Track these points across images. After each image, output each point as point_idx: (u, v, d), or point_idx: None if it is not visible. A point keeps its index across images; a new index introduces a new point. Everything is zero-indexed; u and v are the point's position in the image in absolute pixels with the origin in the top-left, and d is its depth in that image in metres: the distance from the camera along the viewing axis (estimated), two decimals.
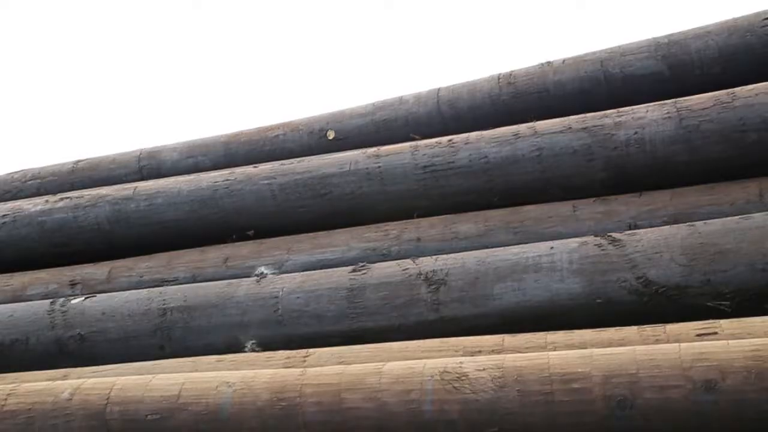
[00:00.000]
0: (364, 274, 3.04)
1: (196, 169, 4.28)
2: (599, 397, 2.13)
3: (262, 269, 3.40)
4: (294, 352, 2.82)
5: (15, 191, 4.62)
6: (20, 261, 4.02)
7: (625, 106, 3.31)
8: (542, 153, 3.31)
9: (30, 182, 4.63)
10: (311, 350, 2.79)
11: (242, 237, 3.73)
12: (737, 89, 3.12)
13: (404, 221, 3.46)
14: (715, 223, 2.72)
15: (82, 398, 2.58)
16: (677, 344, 2.19)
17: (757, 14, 3.54)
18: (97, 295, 3.47)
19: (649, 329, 2.45)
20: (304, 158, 3.79)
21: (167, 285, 3.49)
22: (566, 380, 2.17)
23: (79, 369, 3.04)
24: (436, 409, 2.25)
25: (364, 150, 3.67)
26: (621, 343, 2.38)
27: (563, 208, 3.25)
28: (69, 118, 9.00)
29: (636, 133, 3.18)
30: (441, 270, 2.94)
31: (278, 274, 3.33)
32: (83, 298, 3.43)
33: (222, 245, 3.72)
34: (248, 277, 3.33)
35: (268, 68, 8.83)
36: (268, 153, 4.22)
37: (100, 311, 3.33)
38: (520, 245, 2.99)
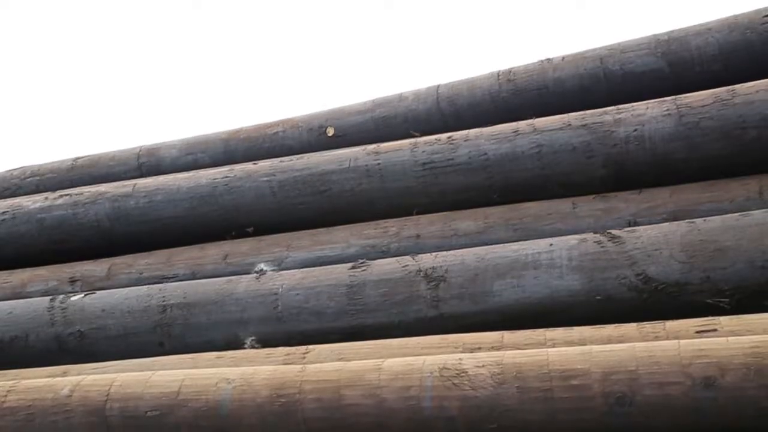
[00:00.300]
0: (364, 271, 3.04)
1: (196, 166, 4.28)
2: (598, 393, 2.13)
3: (262, 266, 3.40)
4: (293, 348, 2.82)
5: (14, 188, 4.62)
6: (19, 258, 4.02)
7: (625, 103, 3.31)
8: (542, 150, 3.31)
9: (29, 179, 4.63)
10: (311, 347, 2.80)
11: (242, 234, 3.73)
12: (737, 86, 3.12)
13: (404, 218, 3.46)
14: (715, 220, 2.72)
15: (82, 395, 2.58)
16: (676, 341, 2.19)
17: (758, 11, 3.53)
18: (97, 292, 3.48)
19: (648, 326, 2.45)
20: (303, 155, 3.79)
21: (167, 282, 3.49)
22: (565, 377, 2.17)
23: (78, 366, 3.04)
24: (436, 406, 2.25)
25: (363, 147, 3.67)
26: (620, 340, 2.38)
27: (563, 205, 3.25)
28: (68, 116, 9.00)
29: (636, 130, 3.18)
30: (440, 267, 2.94)
31: (278, 270, 3.33)
32: (83, 295, 3.43)
33: (221, 242, 3.72)
34: (248, 273, 3.33)
35: (268, 65, 8.83)
36: (267, 150, 4.22)
37: (99, 308, 3.33)
38: (520, 242, 2.99)
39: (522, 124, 3.41)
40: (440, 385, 2.27)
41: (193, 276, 3.57)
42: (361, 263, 3.08)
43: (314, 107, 4.38)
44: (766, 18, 3.49)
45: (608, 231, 2.84)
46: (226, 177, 3.77)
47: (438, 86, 4.08)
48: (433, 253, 3.04)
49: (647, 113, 3.19)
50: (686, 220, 2.79)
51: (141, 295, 3.32)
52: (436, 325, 2.86)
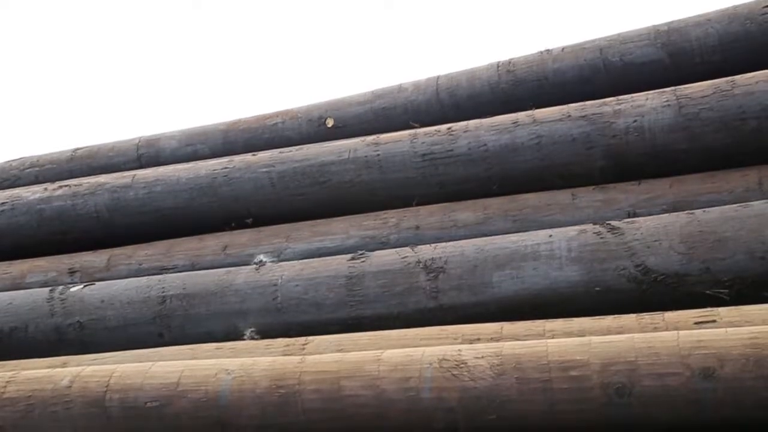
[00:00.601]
0: (363, 262, 3.04)
1: (195, 157, 4.28)
2: (597, 384, 2.13)
3: (261, 257, 3.40)
4: (293, 339, 2.82)
5: (13, 179, 4.62)
6: (19, 249, 4.02)
7: (625, 94, 3.31)
8: (541, 141, 3.30)
9: (28, 170, 4.63)
10: (310, 338, 2.80)
11: (241, 225, 3.73)
12: (737, 77, 3.12)
13: (403, 209, 3.46)
14: (714, 211, 2.72)
15: (82, 385, 2.58)
16: (676, 332, 2.19)
17: (758, 2, 3.53)
18: (96, 282, 3.48)
19: (647, 317, 2.45)
20: (302, 146, 3.78)
21: (166, 273, 3.49)
22: (565, 368, 2.17)
23: (78, 356, 3.04)
24: (435, 397, 2.26)
25: (363, 138, 3.66)
26: (619, 331, 2.39)
27: (562, 196, 3.25)
28: (68, 107, 8.99)
29: (635, 121, 3.17)
30: (440, 258, 2.94)
31: (277, 262, 3.33)
32: (82, 286, 3.43)
33: (221, 233, 3.72)
34: (247, 265, 3.33)
35: (267, 56, 8.81)
36: (266, 141, 4.21)
37: (99, 299, 3.33)
38: (519, 233, 2.99)
39: (521, 115, 3.41)
40: (439, 376, 2.27)
41: (193, 267, 3.57)
42: (361, 254, 3.08)
43: (313, 98, 4.38)
44: (765, 8, 3.48)
45: (608, 222, 2.84)
46: (226, 168, 3.76)
47: (438, 77, 4.07)
48: (433, 245, 3.04)
49: (647, 104, 3.18)
50: (686, 211, 2.80)
51: (140, 286, 3.32)
52: (436, 316, 2.87)
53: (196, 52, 9.02)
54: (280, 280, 3.11)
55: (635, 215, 3.02)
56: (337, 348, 2.66)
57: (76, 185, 4.01)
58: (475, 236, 3.13)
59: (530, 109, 3.47)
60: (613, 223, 2.82)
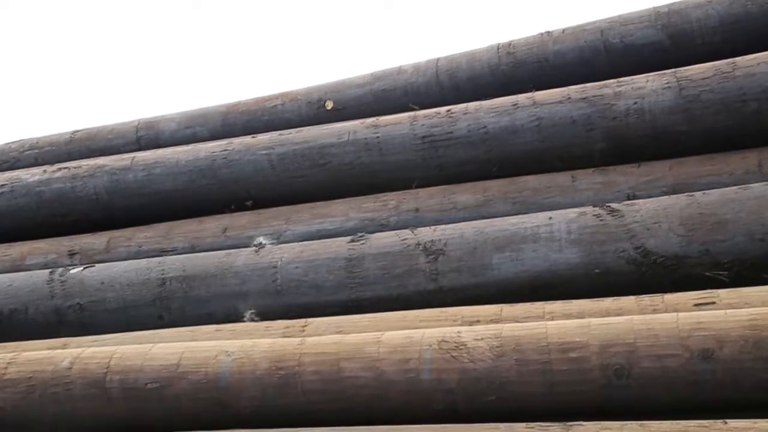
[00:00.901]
0: (363, 244, 3.04)
1: (194, 139, 4.27)
2: (597, 366, 2.14)
3: (261, 239, 3.40)
4: (293, 321, 2.83)
5: (12, 161, 4.61)
6: (18, 231, 4.02)
7: (625, 75, 3.29)
8: (541, 123, 3.30)
9: (27, 152, 4.62)
10: (310, 320, 2.80)
11: (241, 207, 3.72)
12: (738, 59, 3.10)
13: (403, 191, 3.46)
14: (714, 194, 2.72)
15: (82, 367, 2.59)
16: (675, 314, 2.19)
17: None
18: (96, 265, 3.48)
19: (647, 299, 2.45)
20: (302, 128, 3.77)
21: (166, 255, 3.49)
22: (564, 349, 2.18)
23: (78, 338, 3.05)
24: (434, 378, 2.26)
25: (362, 120, 3.66)
26: (619, 313, 2.39)
27: (562, 178, 3.24)
28: (66, 89, 8.97)
29: (636, 103, 3.17)
30: (439, 240, 2.94)
31: (277, 244, 3.33)
32: (82, 268, 3.44)
33: (220, 215, 3.72)
34: (247, 247, 3.33)
35: (267, 38, 8.78)
36: (266, 123, 4.20)
37: (99, 281, 3.33)
38: (519, 215, 2.99)
39: (521, 98, 3.40)
40: (439, 358, 2.28)
41: (192, 249, 3.57)
42: (360, 236, 3.08)
43: (313, 80, 4.36)
44: None
45: (607, 204, 2.84)
46: (225, 150, 3.76)
47: (437, 59, 4.06)
48: (432, 227, 3.04)
49: (647, 86, 3.17)
50: (685, 194, 2.79)
51: (140, 268, 3.32)
52: (435, 298, 2.87)
53: (195, 35, 8.99)
54: (279, 262, 3.11)
55: (635, 197, 3.02)
56: (336, 330, 2.67)
57: (75, 167, 4.01)
58: (475, 218, 3.13)
59: (530, 91, 3.46)
60: (613, 205, 2.82)
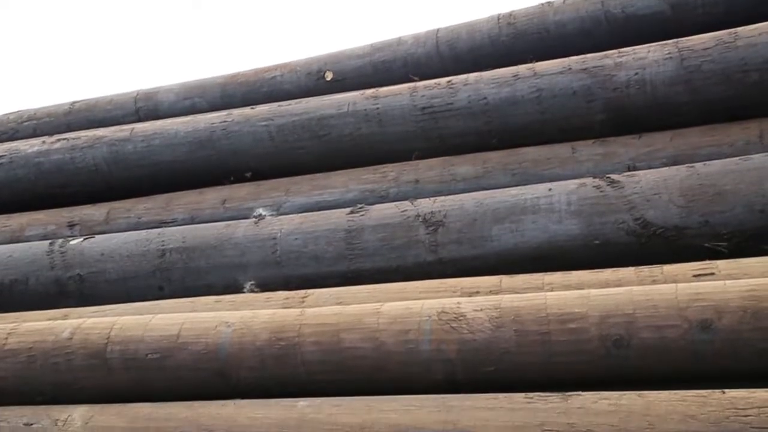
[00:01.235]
0: (363, 215, 3.04)
1: (193, 110, 4.25)
2: (596, 336, 2.15)
3: (260, 211, 3.40)
4: (292, 292, 2.83)
5: (11, 132, 4.60)
6: (18, 202, 4.02)
7: (626, 46, 3.27)
8: (541, 94, 3.28)
9: (26, 123, 4.60)
10: (310, 291, 2.81)
11: (240, 178, 3.72)
12: (740, 29, 3.08)
13: (402, 163, 3.45)
14: (715, 164, 2.71)
15: (83, 337, 2.60)
16: (674, 285, 2.20)
17: None
18: (96, 236, 3.48)
19: (646, 270, 2.45)
20: (301, 99, 3.75)
21: (165, 226, 3.49)
22: (563, 320, 2.19)
23: (79, 309, 3.06)
24: (434, 349, 2.27)
25: (362, 91, 3.64)
26: (618, 284, 2.39)
27: (562, 149, 3.23)
28: (64, 60, 8.93)
29: (636, 73, 3.15)
30: (439, 212, 2.94)
31: (276, 215, 3.33)
32: (82, 239, 3.44)
33: (220, 187, 3.71)
34: (246, 218, 3.33)
35: (266, 9, 8.73)
36: (265, 94, 4.18)
37: (98, 252, 3.34)
38: (519, 187, 2.98)
39: (522, 68, 3.38)
40: (438, 329, 2.28)
41: (192, 220, 3.57)
42: (360, 208, 3.08)
43: (312, 51, 4.34)
44: None
45: (607, 176, 2.83)
46: (224, 121, 3.74)
47: (437, 30, 4.03)
48: (432, 198, 3.04)
49: (648, 56, 3.15)
50: (686, 165, 2.78)
51: (140, 240, 3.32)
52: (435, 269, 2.87)
53: (194, 5, 8.93)
54: (279, 234, 3.11)
55: (635, 169, 3.01)
56: (336, 301, 2.67)
57: (74, 138, 3.99)
58: (475, 190, 3.12)
59: (531, 62, 3.44)
60: (613, 176, 2.81)
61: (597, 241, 2.73)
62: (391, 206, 3.05)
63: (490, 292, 2.53)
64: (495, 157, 3.31)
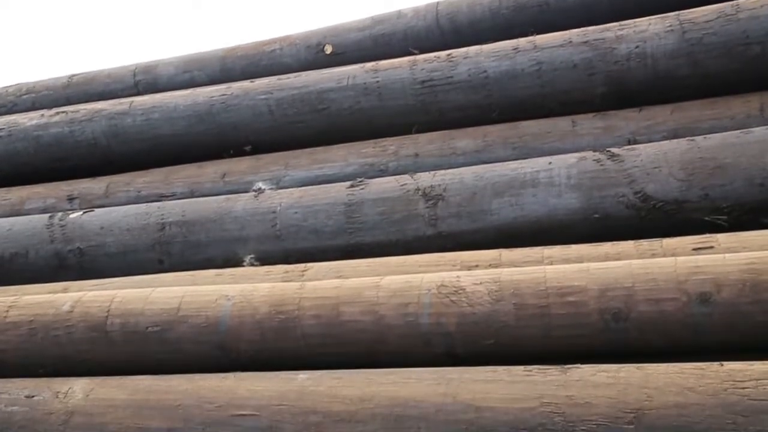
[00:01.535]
0: (362, 189, 3.04)
1: (192, 84, 4.23)
2: (595, 310, 2.15)
3: (260, 184, 3.40)
4: (292, 266, 2.84)
5: (10, 105, 4.59)
6: (17, 175, 4.02)
7: (627, 19, 3.25)
8: (542, 67, 3.27)
9: (24, 96, 4.59)
10: (309, 264, 2.81)
11: (240, 152, 3.71)
12: (741, 1, 3.06)
13: (402, 137, 3.44)
14: (715, 138, 2.70)
15: (83, 310, 2.61)
16: (673, 258, 2.20)
17: None
18: (96, 209, 3.48)
19: (645, 243, 2.46)
20: (301, 73, 3.74)
21: (165, 200, 3.49)
22: (562, 294, 2.19)
23: (79, 282, 3.07)
24: (433, 322, 2.28)
25: (362, 65, 3.63)
26: (617, 258, 2.40)
27: (562, 123, 3.22)
28: (63, 33, 8.88)
29: (637, 47, 3.13)
30: (439, 185, 2.93)
31: (276, 189, 3.33)
32: (81, 213, 3.44)
33: (219, 160, 3.71)
34: (246, 192, 3.33)
35: None
36: (264, 68, 4.17)
37: (98, 226, 3.34)
38: (519, 161, 2.98)
39: (522, 41, 3.36)
40: (438, 302, 2.29)
41: (192, 194, 3.57)
42: (360, 182, 3.08)
43: (312, 24, 4.32)
44: None
45: (607, 149, 2.83)
46: (224, 95, 3.73)
47: (438, 3, 4.01)
48: (432, 172, 3.04)
49: (650, 29, 3.14)
50: (686, 138, 2.78)
51: (140, 213, 3.32)
52: (434, 243, 2.87)
53: None
54: (279, 208, 3.11)
55: (635, 142, 3.01)
56: (336, 274, 2.68)
57: (73, 112, 3.98)
58: (475, 164, 3.12)
59: (531, 35, 3.42)
60: (613, 150, 2.81)
61: (597, 215, 2.73)
62: (391, 180, 3.05)
63: (490, 266, 2.54)
64: (495, 131, 3.30)
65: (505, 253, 2.60)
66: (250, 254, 3.08)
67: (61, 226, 3.38)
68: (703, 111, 3.03)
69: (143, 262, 3.22)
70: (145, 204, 3.44)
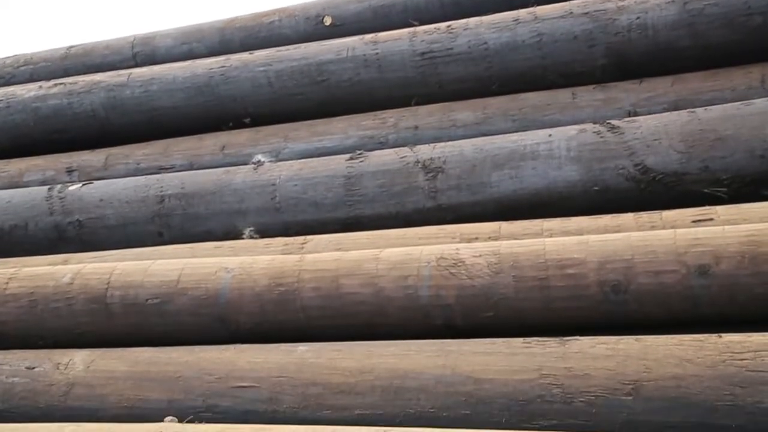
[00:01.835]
0: (362, 162, 3.03)
1: (191, 55, 4.21)
2: (594, 282, 2.15)
3: (259, 157, 3.39)
4: (292, 238, 2.84)
5: (8, 77, 4.57)
6: (16, 147, 4.01)
7: None
8: (542, 39, 3.25)
9: (23, 68, 4.57)
10: (309, 237, 2.81)
11: (239, 124, 3.70)
12: None
13: (402, 109, 3.43)
14: (716, 110, 2.69)
15: (83, 282, 2.61)
16: (673, 230, 2.20)
17: None
18: (95, 182, 3.47)
19: (645, 216, 2.46)
20: (300, 45, 3.72)
21: (164, 172, 3.49)
22: (561, 266, 2.19)
23: (79, 254, 3.07)
24: (433, 295, 2.28)
25: (361, 36, 3.60)
26: (617, 230, 2.40)
27: (562, 95, 3.21)
28: (61, 4, 8.83)
29: (638, 18, 3.11)
30: (438, 158, 2.93)
31: (275, 161, 3.32)
32: (81, 185, 3.43)
33: (219, 133, 3.70)
34: (245, 164, 3.32)
35: None
36: (263, 39, 4.14)
37: (98, 198, 3.33)
38: (518, 133, 2.97)
39: (523, 13, 3.34)
40: (437, 275, 2.29)
41: (191, 167, 3.57)
42: (359, 154, 3.07)
43: None
44: None
45: (608, 121, 2.82)
46: (223, 67, 3.72)
47: None
48: (432, 144, 3.03)
49: (650, 0, 3.12)
50: (687, 110, 2.77)
51: (139, 186, 3.32)
52: (434, 215, 2.87)
53: None
54: (278, 180, 3.10)
55: (636, 114, 3.00)
56: (335, 247, 2.68)
57: (71, 83, 3.97)
58: (474, 136, 3.11)
59: (532, 6, 3.40)
60: (613, 122, 2.80)
61: (596, 187, 2.72)
62: (391, 152, 3.04)
63: (489, 238, 2.54)
64: (495, 103, 3.29)
65: (505, 226, 2.60)
66: (249, 227, 3.07)
67: (61, 198, 3.38)
68: (703, 82, 3.02)
69: (143, 234, 3.22)
70: (144, 176, 3.44)
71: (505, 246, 2.31)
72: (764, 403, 1.80)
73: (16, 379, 2.49)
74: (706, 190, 2.59)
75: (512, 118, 3.22)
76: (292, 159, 3.33)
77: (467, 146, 2.94)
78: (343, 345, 2.26)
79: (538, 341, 2.07)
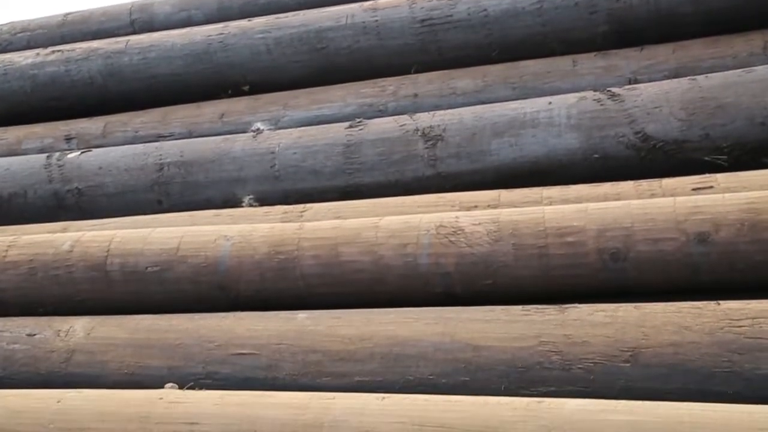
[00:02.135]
0: (361, 130, 3.02)
1: (189, 23, 4.18)
2: (593, 250, 2.16)
3: (259, 125, 3.38)
4: (291, 207, 2.84)
5: (4, 44, 4.54)
6: (13, 115, 3.99)
7: None
8: (543, 6, 3.23)
9: (19, 35, 4.54)
10: (308, 205, 2.81)
11: (238, 92, 3.69)
12: None
13: (401, 77, 3.42)
14: (717, 77, 2.68)
15: (83, 250, 2.61)
16: (672, 198, 2.20)
17: None
18: (94, 149, 3.47)
19: (645, 184, 2.45)
20: (299, 12, 3.70)
21: (163, 140, 3.48)
22: (561, 234, 2.19)
23: (78, 222, 3.07)
24: (432, 263, 2.29)
25: (360, 3, 3.58)
26: (617, 198, 2.39)
27: (563, 62, 3.20)
28: None
29: None
30: (438, 126, 2.92)
31: (274, 129, 3.31)
32: (79, 153, 3.42)
33: (218, 101, 3.68)
34: (244, 132, 3.31)
35: None
36: (262, 7, 4.11)
37: (96, 166, 3.32)
38: (518, 101, 2.96)
39: None
40: (437, 243, 2.29)
41: (190, 134, 3.55)
42: (358, 122, 3.06)
43: None
44: None
45: (608, 89, 2.80)
46: (221, 34, 3.69)
47: None
48: (431, 112, 3.02)
49: None
50: (687, 78, 2.75)
51: (138, 153, 3.31)
52: (434, 183, 2.87)
53: None
54: (277, 148, 3.10)
55: (636, 82, 2.98)
56: (335, 215, 2.68)
57: (68, 50, 3.95)
58: (474, 104, 3.10)
59: None
60: (614, 89, 2.78)
61: (596, 155, 2.72)
62: (390, 120, 3.03)
63: (489, 207, 2.54)
64: (495, 71, 3.28)
65: (504, 194, 2.59)
66: (248, 195, 3.07)
67: (59, 166, 3.37)
68: (705, 50, 3.00)
69: (142, 202, 3.22)
70: (143, 144, 3.43)
71: (504, 214, 2.31)
72: (762, 369, 1.81)
73: (16, 346, 2.50)
74: (706, 158, 2.58)
75: (512, 86, 3.20)
76: (291, 127, 3.32)
77: (467, 114, 2.93)
78: (342, 312, 2.27)
79: (537, 309, 2.08)
